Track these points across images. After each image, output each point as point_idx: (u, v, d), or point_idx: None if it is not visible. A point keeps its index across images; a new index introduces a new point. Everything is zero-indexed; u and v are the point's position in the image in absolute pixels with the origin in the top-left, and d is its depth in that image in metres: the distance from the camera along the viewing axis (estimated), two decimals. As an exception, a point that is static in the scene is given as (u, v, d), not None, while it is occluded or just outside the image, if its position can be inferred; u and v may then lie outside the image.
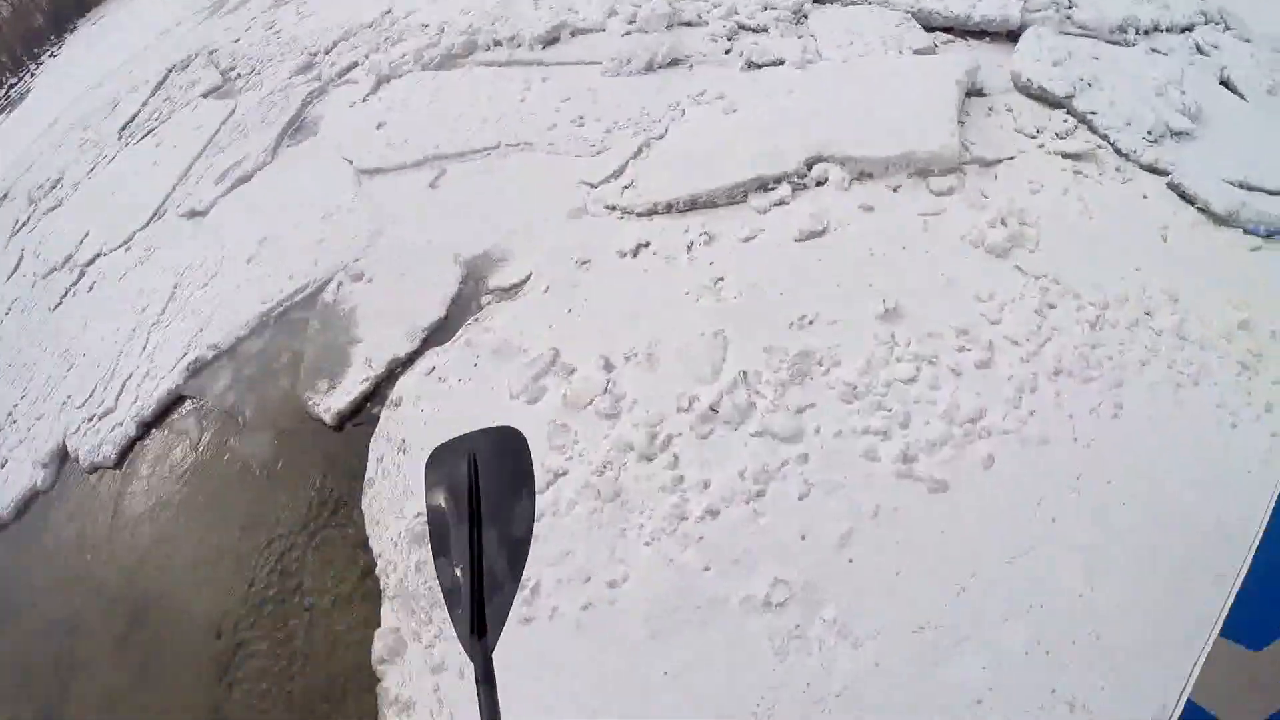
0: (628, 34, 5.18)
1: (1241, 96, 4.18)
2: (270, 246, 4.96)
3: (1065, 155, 3.76)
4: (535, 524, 0.97)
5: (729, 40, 4.90)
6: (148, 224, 6.03)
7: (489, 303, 3.79)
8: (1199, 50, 4.45)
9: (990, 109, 4.04)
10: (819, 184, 3.73)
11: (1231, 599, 1.29)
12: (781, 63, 4.54)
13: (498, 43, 5.56)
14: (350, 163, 5.21)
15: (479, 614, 0.83)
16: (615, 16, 5.34)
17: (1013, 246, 3.34)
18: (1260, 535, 1.36)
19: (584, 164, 4.29)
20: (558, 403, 3.08)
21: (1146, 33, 4.53)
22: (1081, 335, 2.85)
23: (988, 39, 4.77)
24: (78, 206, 7.23)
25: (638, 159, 4.13)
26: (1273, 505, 1.43)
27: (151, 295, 5.03)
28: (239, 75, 7.88)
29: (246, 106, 6.89)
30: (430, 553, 0.95)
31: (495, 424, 1.04)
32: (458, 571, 0.88)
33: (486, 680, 0.78)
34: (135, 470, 4.00)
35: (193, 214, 5.85)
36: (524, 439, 1.01)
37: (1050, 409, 2.65)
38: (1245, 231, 3.27)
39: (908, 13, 4.82)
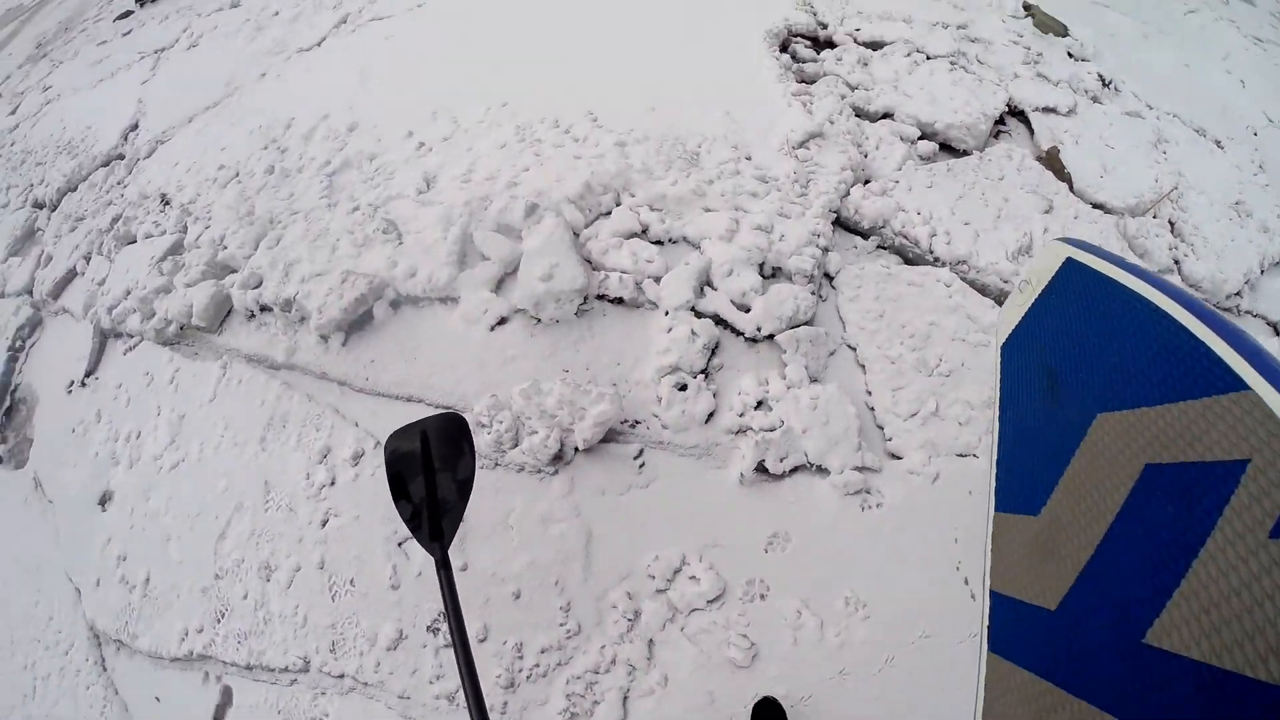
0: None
1: None
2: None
3: None
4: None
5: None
6: None
7: None
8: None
9: None
10: None
11: (994, 469, 1.10)
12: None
13: (265, 308, 2.93)
14: (77, 591, 2.92)
15: (436, 524, 1.14)
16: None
17: None
18: (997, 397, 1.13)
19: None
20: None
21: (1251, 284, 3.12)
22: None
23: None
24: None
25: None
26: (999, 368, 1.13)
27: None
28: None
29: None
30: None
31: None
32: (415, 505, 1.19)
33: (445, 566, 1.08)
34: None
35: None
36: (464, 419, 1.30)
37: None
38: None
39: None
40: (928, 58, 3.86)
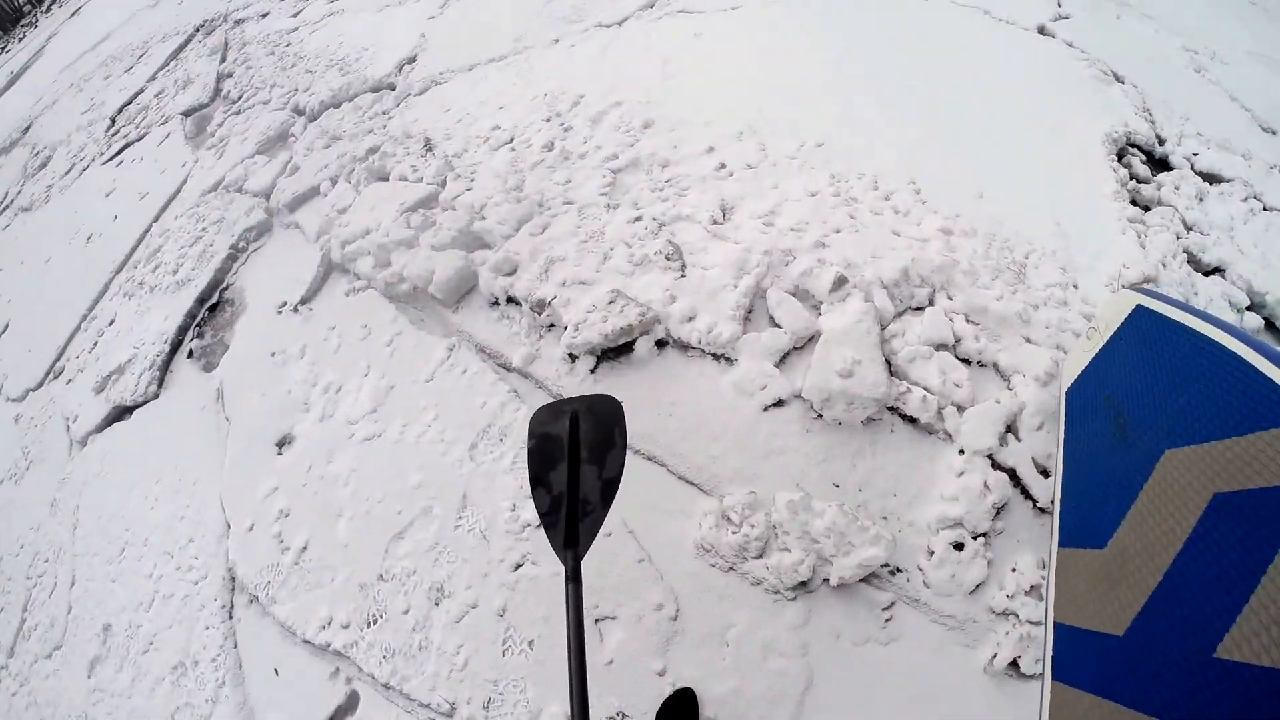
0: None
1: None
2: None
3: None
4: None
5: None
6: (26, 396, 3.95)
7: None
8: None
9: None
10: None
11: (1058, 507, 1.16)
12: None
13: (512, 300, 2.61)
14: (227, 525, 2.75)
15: (572, 528, 1.00)
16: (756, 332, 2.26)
17: None
18: (1062, 432, 1.19)
19: None
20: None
21: None
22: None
23: None
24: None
25: None
26: (1064, 412, 1.19)
27: None
28: (225, 96, 5.33)
29: (180, 211, 4.36)
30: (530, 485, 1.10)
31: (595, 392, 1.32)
32: (554, 498, 1.06)
33: (575, 580, 0.93)
34: None
35: (67, 431, 3.68)
36: (619, 405, 1.17)
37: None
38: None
39: None
40: (1264, 208, 3.15)
